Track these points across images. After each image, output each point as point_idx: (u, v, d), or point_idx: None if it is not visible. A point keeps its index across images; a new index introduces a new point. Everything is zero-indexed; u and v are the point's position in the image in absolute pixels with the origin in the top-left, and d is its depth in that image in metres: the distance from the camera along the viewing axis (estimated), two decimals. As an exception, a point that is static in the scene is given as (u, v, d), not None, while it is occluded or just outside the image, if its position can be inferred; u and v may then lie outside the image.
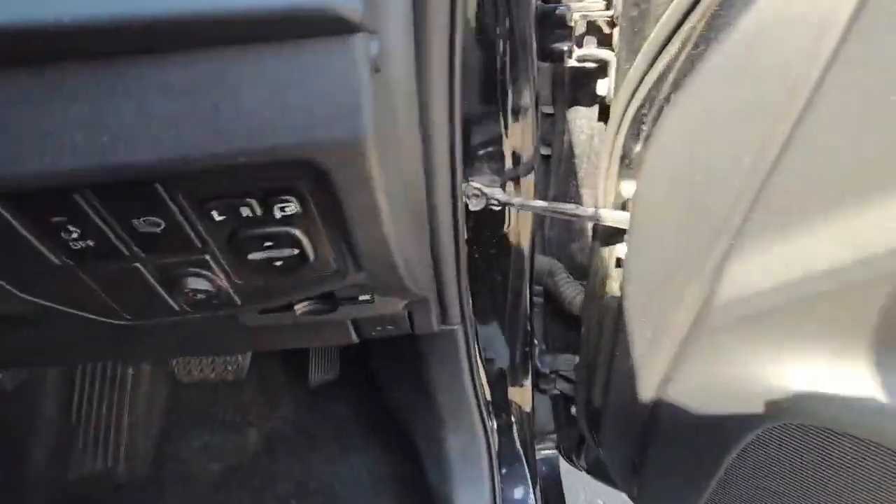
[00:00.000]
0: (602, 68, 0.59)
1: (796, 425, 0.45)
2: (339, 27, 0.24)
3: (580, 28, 0.59)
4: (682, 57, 0.41)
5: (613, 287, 0.56)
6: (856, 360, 0.40)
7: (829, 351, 0.41)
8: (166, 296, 0.35)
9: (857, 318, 0.39)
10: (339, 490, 0.93)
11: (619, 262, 0.55)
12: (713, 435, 0.52)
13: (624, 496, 0.74)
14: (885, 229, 0.35)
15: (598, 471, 0.89)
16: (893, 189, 0.34)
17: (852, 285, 0.37)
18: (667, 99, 0.42)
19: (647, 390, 0.54)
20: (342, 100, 0.25)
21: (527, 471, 0.79)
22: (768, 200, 0.38)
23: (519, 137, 0.60)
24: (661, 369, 0.51)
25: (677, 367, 0.49)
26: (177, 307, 0.37)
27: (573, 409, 0.79)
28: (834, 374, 0.41)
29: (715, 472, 0.53)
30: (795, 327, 0.41)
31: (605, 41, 0.59)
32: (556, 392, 0.82)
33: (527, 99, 0.59)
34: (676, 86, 0.41)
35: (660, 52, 0.42)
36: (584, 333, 0.66)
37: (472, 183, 0.53)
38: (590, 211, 0.53)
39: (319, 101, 0.25)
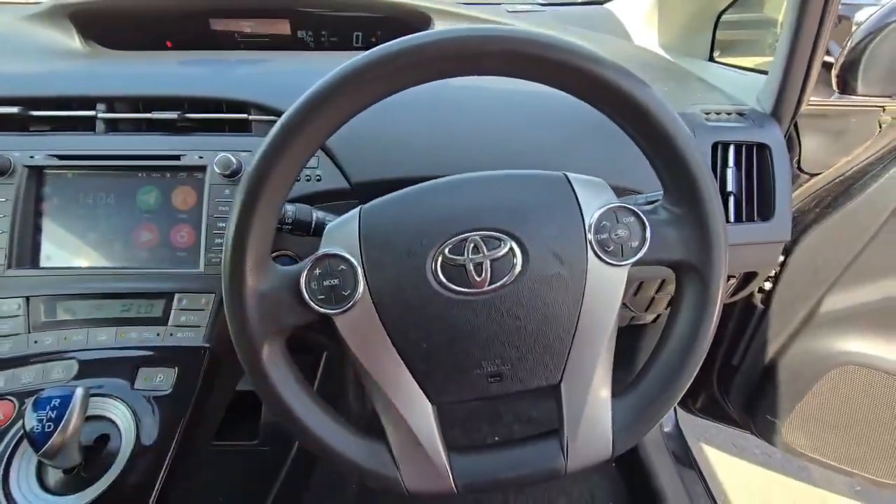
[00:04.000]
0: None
1: (851, 367, 0.85)
2: None
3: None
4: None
5: (755, 301, 0.92)
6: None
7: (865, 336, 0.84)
8: None
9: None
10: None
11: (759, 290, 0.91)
12: (806, 375, 0.87)
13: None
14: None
15: (709, 412, 1.12)
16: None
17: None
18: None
19: (771, 354, 0.91)
20: None
21: None
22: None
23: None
24: (780, 342, 0.90)
25: (791, 341, 0.88)
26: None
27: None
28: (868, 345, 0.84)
29: (803, 396, 0.89)
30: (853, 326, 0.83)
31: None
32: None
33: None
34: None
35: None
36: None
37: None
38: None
39: None
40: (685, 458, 1.16)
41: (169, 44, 0.89)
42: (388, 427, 0.42)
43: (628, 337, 1.11)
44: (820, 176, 0.83)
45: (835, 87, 0.79)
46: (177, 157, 0.58)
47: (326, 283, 0.40)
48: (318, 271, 0.41)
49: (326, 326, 0.41)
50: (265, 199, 0.39)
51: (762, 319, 0.91)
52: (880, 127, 0.81)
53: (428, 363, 0.41)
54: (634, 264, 0.42)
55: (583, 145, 0.61)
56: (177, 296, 0.55)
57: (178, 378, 0.52)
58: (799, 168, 0.84)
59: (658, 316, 0.87)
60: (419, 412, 0.42)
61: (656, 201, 0.45)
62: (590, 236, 0.42)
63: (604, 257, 0.42)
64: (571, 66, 0.38)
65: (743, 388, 0.99)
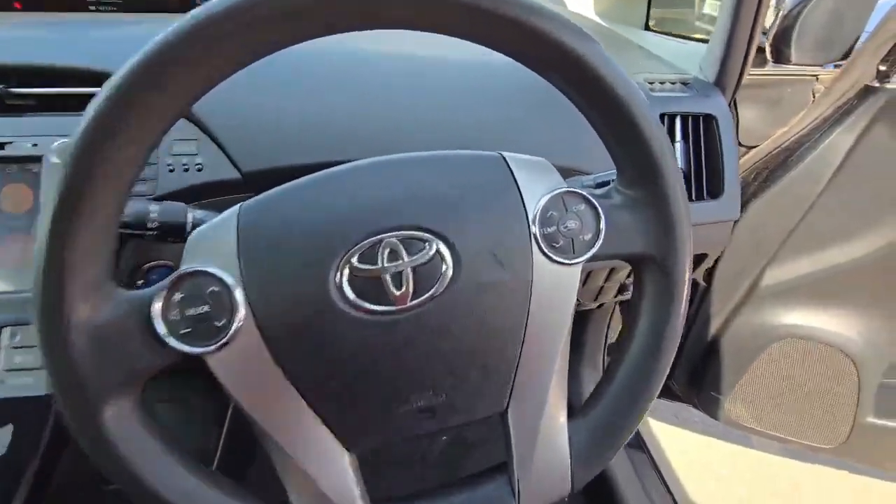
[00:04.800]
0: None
1: (791, 339, 0.87)
2: None
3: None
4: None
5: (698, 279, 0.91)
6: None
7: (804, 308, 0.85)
8: None
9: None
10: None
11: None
12: (748, 350, 0.87)
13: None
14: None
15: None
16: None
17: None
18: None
19: (713, 330, 0.91)
20: None
21: None
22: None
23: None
24: (723, 318, 0.89)
25: (733, 316, 0.87)
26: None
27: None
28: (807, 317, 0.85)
29: (745, 371, 0.89)
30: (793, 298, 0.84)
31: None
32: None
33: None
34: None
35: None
36: None
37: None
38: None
39: None
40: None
41: (18, 5, 0.73)
42: (291, 493, 0.33)
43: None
44: (756, 149, 0.82)
45: (769, 55, 0.77)
46: (1, 146, 0.44)
47: (191, 311, 0.30)
48: (178, 296, 0.30)
49: (198, 368, 0.31)
50: (92, 192, 0.27)
51: (704, 296, 0.91)
52: (814, 96, 0.80)
53: (338, 403, 0.32)
54: (588, 261, 0.35)
55: (520, 121, 0.53)
56: (7, 330, 0.42)
57: (15, 438, 0.40)
58: (738, 141, 0.83)
59: (602, 304, 0.83)
60: (331, 466, 0.33)
61: (608, 182, 0.38)
62: (534, 229, 0.34)
63: (552, 255, 0.35)
64: (503, 17, 0.30)
65: (686, 364, 1.00)
